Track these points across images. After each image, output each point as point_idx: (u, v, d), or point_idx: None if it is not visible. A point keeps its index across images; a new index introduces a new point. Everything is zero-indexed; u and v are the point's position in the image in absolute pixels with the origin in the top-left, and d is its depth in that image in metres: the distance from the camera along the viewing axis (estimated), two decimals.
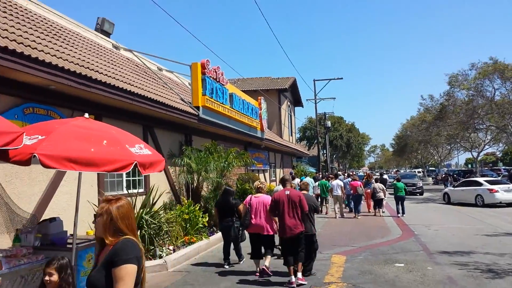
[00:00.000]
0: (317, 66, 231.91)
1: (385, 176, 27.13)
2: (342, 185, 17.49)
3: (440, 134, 35.47)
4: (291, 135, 35.08)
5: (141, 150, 4.81)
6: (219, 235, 11.11)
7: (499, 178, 29.56)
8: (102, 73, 8.29)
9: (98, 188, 8.61)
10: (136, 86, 9.44)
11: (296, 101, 37.02)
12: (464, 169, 58.66)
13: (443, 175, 43.41)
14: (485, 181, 22.67)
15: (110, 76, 8.49)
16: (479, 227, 13.78)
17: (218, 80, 13.51)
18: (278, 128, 29.86)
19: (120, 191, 9.24)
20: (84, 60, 8.25)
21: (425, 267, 8.16)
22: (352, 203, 17.85)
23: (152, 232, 8.36)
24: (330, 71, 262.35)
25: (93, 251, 5.52)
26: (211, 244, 10.39)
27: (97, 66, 8.65)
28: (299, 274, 7.06)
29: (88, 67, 7.91)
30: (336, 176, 19.59)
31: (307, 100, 40.91)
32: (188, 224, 10.46)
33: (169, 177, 11.59)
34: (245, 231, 8.17)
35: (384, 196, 17.78)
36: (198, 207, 10.76)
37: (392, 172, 55.64)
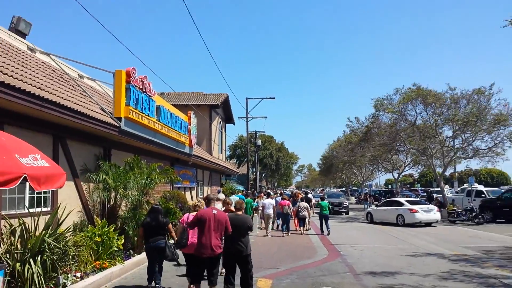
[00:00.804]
0: (250, 85, 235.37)
1: (310, 195, 27.84)
2: (274, 204, 17.61)
3: (364, 155, 36.83)
4: (221, 152, 34.52)
5: (35, 161, 3.99)
6: (135, 259, 10.18)
7: (418, 198, 31.16)
8: (6, 74, 7.21)
9: None
10: (47, 91, 8.38)
11: (228, 118, 36.64)
12: (384, 189, 61.72)
13: (363, 195, 45.05)
14: (406, 201, 23.64)
15: (16, 78, 7.43)
16: (402, 246, 14.04)
17: (144, 90, 12.65)
18: (208, 145, 29.17)
19: (21, 209, 8.03)
20: None
21: None
22: (280, 221, 17.92)
23: (55, 258, 7.27)
24: (262, 90, 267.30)
25: None
26: (125, 270, 9.40)
27: (2, 66, 7.55)
28: None
29: None
30: (267, 195, 19.44)
31: (238, 118, 40.85)
32: (100, 247, 9.40)
33: (81, 194, 10.45)
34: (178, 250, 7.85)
35: (308, 215, 18.13)
36: (112, 228, 9.74)
37: (318, 191, 56.93)
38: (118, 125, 11.08)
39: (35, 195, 8.76)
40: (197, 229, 7.03)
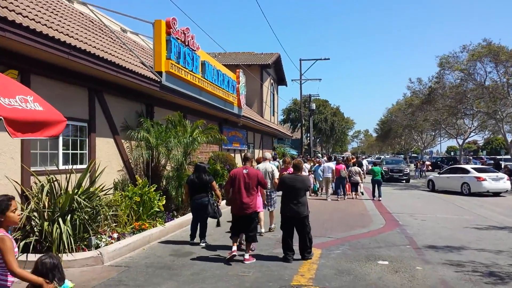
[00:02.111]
0: (304, 46, 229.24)
1: (364, 161, 27.24)
2: (334, 168, 17.19)
3: (426, 119, 34.33)
4: (273, 115, 33.56)
5: (23, 103, 3.26)
6: (178, 221, 9.72)
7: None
8: (27, 17, 6.61)
9: (22, 162, 7.02)
10: (77, 39, 7.77)
11: (280, 80, 35.33)
12: (446, 156, 58.27)
13: (417, 162, 42.25)
14: (472, 168, 21.67)
15: (39, 23, 6.83)
16: (468, 217, 12.64)
17: (187, 43, 11.84)
18: (259, 107, 28.29)
19: (53, 167, 7.64)
20: (13, 4, 6.59)
21: (413, 267, 6.85)
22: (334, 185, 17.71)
23: (87, 217, 6.83)
24: (316, 51, 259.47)
25: None
26: (166, 232, 8.92)
27: (30, 12, 6.98)
28: (246, 255, 6.91)
29: (14, 10, 6.26)
30: (329, 159, 19.24)
31: (292, 80, 39.57)
32: (141, 208, 8.97)
33: (122, 152, 10.01)
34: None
35: (361, 179, 17.91)
36: (153, 188, 9.25)
37: (374, 158, 54.78)
38: (159, 80, 10.42)
39: (70, 151, 8.35)
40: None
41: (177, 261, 6.96)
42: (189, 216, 10.31)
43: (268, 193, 9.37)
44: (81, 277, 6.06)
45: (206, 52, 14.51)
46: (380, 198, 16.81)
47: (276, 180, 8.55)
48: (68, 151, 8.28)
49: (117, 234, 7.69)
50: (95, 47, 8.26)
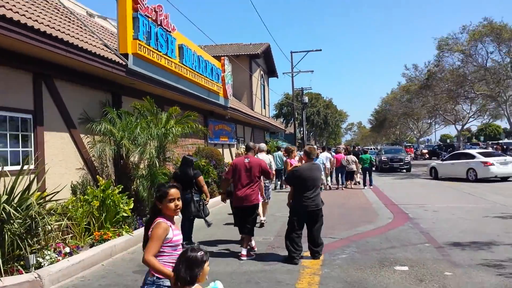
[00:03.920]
0: (294, 39, 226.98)
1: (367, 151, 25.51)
2: (331, 158, 16.90)
3: (425, 104, 32.97)
4: (264, 108, 31.99)
5: None
6: None
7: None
8: None
9: None
10: (17, 13, 6.21)
11: (271, 71, 33.76)
12: (441, 144, 57.06)
13: (423, 150, 41.05)
14: (478, 153, 20.34)
15: None
16: (485, 206, 11.24)
17: (159, 23, 10.31)
18: (249, 99, 26.73)
19: None
20: None
21: (441, 272, 5.41)
22: (335, 175, 17.89)
23: (22, 230, 5.31)
24: (307, 44, 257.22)
25: None
26: (134, 241, 7.40)
27: None
28: (244, 250, 6.43)
29: None
30: (323, 149, 18.52)
31: (283, 73, 38.11)
32: (103, 214, 7.46)
33: (81, 149, 8.45)
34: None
35: (357, 168, 17.76)
36: (118, 190, 7.73)
37: (372, 149, 53.35)
38: (124, 63, 8.88)
39: (8, 149, 6.79)
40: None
41: (141, 281, 5.43)
42: None
43: (266, 185, 9.04)
44: None
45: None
46: (371, 186, 17.13)
47: (274, 172, 8.48)
48: (5, 149, 6.72)
49: (69, 248, 6.19)
50: (41, 23, 6.70)
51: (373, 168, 18.91)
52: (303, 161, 6.95)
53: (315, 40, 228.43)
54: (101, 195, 7.51)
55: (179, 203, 3.06)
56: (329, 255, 6.44)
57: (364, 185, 17.34)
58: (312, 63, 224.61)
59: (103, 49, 8.59)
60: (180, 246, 3.06)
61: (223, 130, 19.14)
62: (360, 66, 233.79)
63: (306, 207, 6.22)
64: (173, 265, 2.83)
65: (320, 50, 36.50)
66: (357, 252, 6.58)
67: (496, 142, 45.79)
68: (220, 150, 17.75)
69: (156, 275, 2.89)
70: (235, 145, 21.76)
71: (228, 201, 7.52)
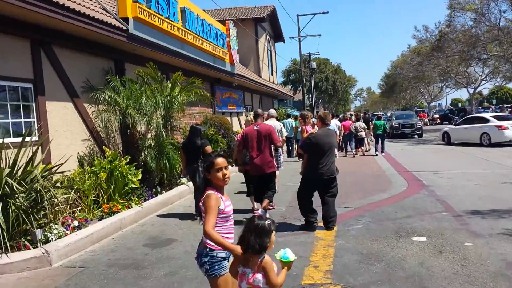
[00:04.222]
0: (300, 1, 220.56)
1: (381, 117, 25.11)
2: (340, 125, 16.06)
3: (437, 67, 32.07)
4: (272, 74, 31.36)
5: None
6: (161, 198, 8.16)
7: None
8: None
9: None
10: None
11: (277, 36, 32.86)
12: (452, 108, 56.03)
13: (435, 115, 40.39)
14: (492, 117, 19.79)
15: None
16: (501, 171, 10.92)
17: None
18: (255, 65, 26.12)
19: None
20: None
21: (461, 243, 5.18)
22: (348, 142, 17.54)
23: (26, 204, 5.15)
24: (314, 6, 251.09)
25: None
26: (144, 213, 7.28)
27: None
28: (260, 210, 6.39)
29: None
30: (332, 116, 17.79)
31: (290, 38, 37.28)
32: (111, 186, 7.29)
33: (86, 118, 8.22)
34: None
35: (366, 135, 17.72)
36: (125, 161, 7.54)
37: (382, 114, 52.66)
38: (125, 28, 8.50)
39: (10, 120, 6.57)
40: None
41: (151, 255, 5.30)
42: (176, 191, 8.78)
43: (278, 153, 8.72)
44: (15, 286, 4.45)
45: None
46: (383, 153, 16.74)
47: (284, 138, 8.47)
48: (6, 120, 6.49)
49: (77, 221, 6.06)
50: None
51: (386, 134, 18.46)
52: (316, 127, 6.72)
53: (321, 2, 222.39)
54: (108, 166, 7.33)
55: (227, 172, 2.97)
56: (343, 225, 6.24)
57: (376, 151, 17.00)
58: (319, 27, 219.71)
59: (102, 13, 8.21)
60: (232, 217, 2.99)
61: (230, 98, 18.78)
62: (368, 29, 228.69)
63: (322, 175, 5.99)
64: (227, 236, 2.85)
65: (327, 12, 35.06)
66: (372, 222, 6.37)
67: (511, 105, 44.78)
68: (229, 118, 17.44)
69: (209, 246, 2.83)
70: (244, 113, 21.43)
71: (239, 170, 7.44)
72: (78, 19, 7.07)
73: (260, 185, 6.66)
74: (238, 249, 2.63)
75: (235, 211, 7.39)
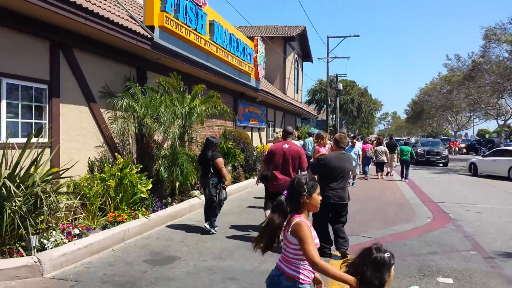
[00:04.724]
0: (331, 24, 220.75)
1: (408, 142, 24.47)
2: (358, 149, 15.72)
3: (469, 96, 31.12)
4: (297, 93, 31.04)
5: None
6: (170, 210, 7.84)
7: None
8: None
9: None
10: None
11: (305, 55, 32.64)
12: (484, 138, 54.29)
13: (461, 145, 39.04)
14: None
15: None
16: None
17: None
18: (281, 82, 25.88)
19: None
20: None
21: None
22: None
23: (23, 209, 4.87)
24: (345, 29, 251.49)
25: None
26: (150, 225, 6.95)
27: None
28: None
29: None
30: (357, 139, 18.26)
31: (318, 58, 36.97)
32: (120, 194, 7.01)
33: (101, 124, 8.01)
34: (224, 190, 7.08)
35: (387, 159, 17.55)
36: (136, 170, 7.27)
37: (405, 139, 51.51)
38: (150, 36, 8.33)
39: (19, 120, 6.39)
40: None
41: (150, 273, 4.93)
42: (187, 204, 8.48)
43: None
44: None
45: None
46: (407, 180, 16.21)
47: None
48: (17, 120, 6.31)
49: (78, 229, 5.76)
50: None
51: (413, 161, 17.83)
52: (330, 150, 6.39)
53: (352, 27, 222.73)
54: (119, 174, 7.06)
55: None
56: None
57: (401, 177, 16.54)
58: (349, 50, 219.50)
59: (127, 20, 8.06)
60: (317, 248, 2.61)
61: (253, 113, 18.51)
62: (398, 55, 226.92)
63: (329, 198, 5.63)
64: (310, 268, 2.59)
65: (358, 36, 35.14)
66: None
67: None
68: (249, 133, 17.12)
69: (299, 280, 2.56)
70: (265, 129, 21.10)
71: (260, 184, 7.23)
72: (101, 24, 6.89)
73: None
74: (354, 281, 2.30)
75: (243, 228, 7.10)
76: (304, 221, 2.59)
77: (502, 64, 24.14)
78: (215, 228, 7.00)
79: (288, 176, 6.20)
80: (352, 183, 13.63)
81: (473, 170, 20.51)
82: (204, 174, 7.11)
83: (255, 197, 7.99)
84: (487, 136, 68.73)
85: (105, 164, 7.44)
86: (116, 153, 7.97)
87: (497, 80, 24.98)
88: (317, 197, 2.68)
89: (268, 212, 7.18)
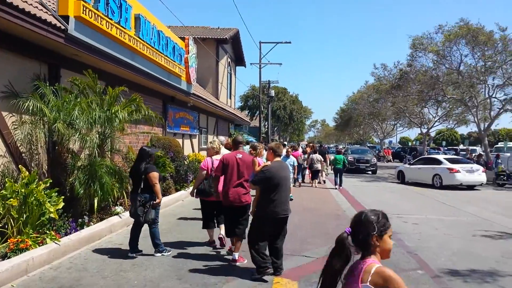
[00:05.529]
0: (263, 30, 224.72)
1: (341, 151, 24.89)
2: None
3: (395, 104, 32.41)
4: (230, 98, 30.42)
5: None
6: (85, 232, 6.72)
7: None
8: None
9: None
10: None
11: (238, 59, 32.16)
12: (408, 146, 57.37)
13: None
14: (445, 159, 19.77)
15: None
16: (466, 219, 10.38)
17: None
18: (214, 87, 25.08)
19: None
20: None
21: None
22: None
23: None
24: (277, 36, 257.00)
25: None
26: (62, 252, 5.83)
27: None
28: (236, 255, 5.89)
29: None
30: (283, 146, 16.83)
31: (251, 64, 36.69)
32: (24, 215, 5.83)
33: (2, 130, 6.72)
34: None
35: (322, 167, 17.60)
36: (44, 186, 6.11)
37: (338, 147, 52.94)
38: (64, 27, 7.19)
39: None
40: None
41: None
42: (106, 224, 7.39)
43: None
44: None
45: None
46: (341, 187, 16.53)
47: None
48: None
49: None
50: None
51: (345, 169, 17.94)
52: (267, 159, 5.84)
53: (284, 33, 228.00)
54: (23, 190, 5.88)
55: None
56: (305, 283, 5.13)
57: (335, 184, 16.80)
58: (281, 56, 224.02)
59: (36, 7, 6.88)
60: None
61: (184, 119, 17.52)
62: (328, 64, 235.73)
63: (276, 214, 5.25)
64: None
65: (290, 42, 35.32)
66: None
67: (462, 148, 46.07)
68: (180, 140, 16.16)
69: None
70: (197, 136, 20.18)
71: (194, 197, 6.85)
72: (1, 9, 5.71)
73: (233, 217, 5.98)
74: None
75: (193, 244, 6.34)
76: (382, 267, 2.08)
77: (428, 73, 25.28)
78: (166, 250, 6.28)
79: (242, 188, 5.89)
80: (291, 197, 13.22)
81: (401, 178, 21.15)
82: (134, 189, 6.24)
83: (194, 209, 7.14)
84: (409, 143, 72.95)
85: (7, 179, 6.19)
86: (20, 165, 6.71)
87: (423, 89, 26.13)
88: (389, 241, 2.22)
89: (213, 232, 6.72)
